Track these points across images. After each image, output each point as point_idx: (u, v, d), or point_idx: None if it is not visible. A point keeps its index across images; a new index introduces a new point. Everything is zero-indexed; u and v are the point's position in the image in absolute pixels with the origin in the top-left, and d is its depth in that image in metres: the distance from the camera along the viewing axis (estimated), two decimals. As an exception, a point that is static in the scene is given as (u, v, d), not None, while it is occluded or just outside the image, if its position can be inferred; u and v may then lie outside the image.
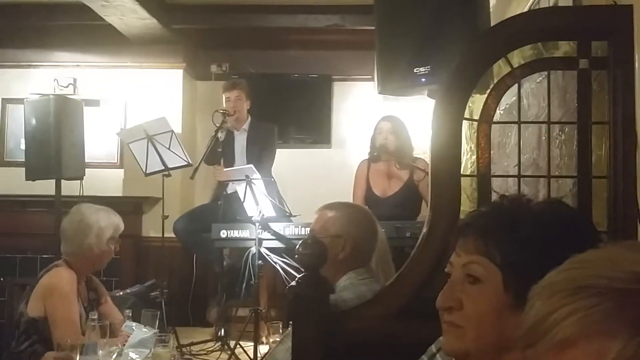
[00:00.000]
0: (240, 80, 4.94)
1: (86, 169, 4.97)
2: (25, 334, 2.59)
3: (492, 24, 2.47)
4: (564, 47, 2.14)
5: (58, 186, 4.72)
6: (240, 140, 4.84)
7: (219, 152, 4.60)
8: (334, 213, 2.12)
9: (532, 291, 0.70)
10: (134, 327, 2.48)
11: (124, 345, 2.41)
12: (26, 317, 2.60)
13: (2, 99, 5.65)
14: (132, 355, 2.36)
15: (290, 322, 1.96)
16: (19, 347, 2.58)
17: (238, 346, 3.90)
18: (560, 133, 2.18)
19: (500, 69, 2.03)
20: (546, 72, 2.01)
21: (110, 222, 2.77)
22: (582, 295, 0.63)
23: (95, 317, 2.42)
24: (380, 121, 4.41)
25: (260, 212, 4.03)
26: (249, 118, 4.88)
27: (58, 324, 2.56)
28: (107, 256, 2.79)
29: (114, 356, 2.33)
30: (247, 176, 4.06)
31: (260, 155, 4.68)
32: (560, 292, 0.65)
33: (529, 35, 1.90)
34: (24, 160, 4.87)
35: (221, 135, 4.55)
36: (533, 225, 0.98)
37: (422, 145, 4.64)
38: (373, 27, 2.72)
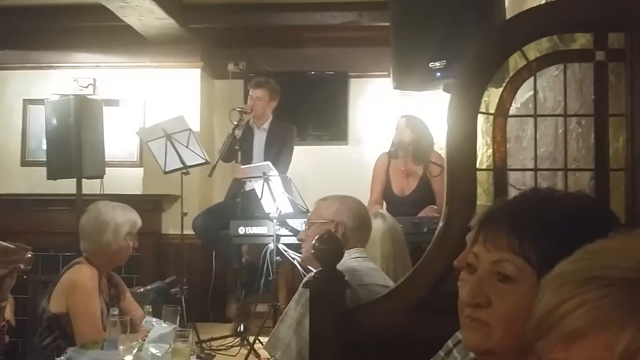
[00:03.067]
0: (268, 80, 4.89)
1: (106, 168, 5.02)
2: (47, 329, 2.62)
3: (508, 17, 2.46)
4: (581, 40, 2.12)
5: (79, 185, 4.78)
6: (260, 138, 4.86)
7: (236, 150, 4.63)
8: (326, 202, 2.37)
9: (542, 282, 0.70)
10: (154, 323, 2.50)
11: (144, 340, 2.43)
12: (48, 313, 2.64)
13: (24, 99, 5.72)
14: (152, 350, 2.38)
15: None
16: (42, 342, 2.62)
17: (257, 341, 3.93)
18: (577, 126, 2.17)
19: (516, 63, 2.02)
20: (562, 66, 1.99)
21: (126, 218, 2.79)
22: (591, 286, 0.63)
23: (116, 312, 2.44)
24: (398, 119, 4.42)
25: (277, 209, 4.05)
26: (271, 117, 4.89)
27: (80, 319, 2.59)
28: (126, 252, 2.81)
29: (135, 351, 2.35)
30: (264, 173, 4.08)
31: (278, 155, 4.69)
32: (569, 283, 0.65)
33: (545, 28, 1.88)
34: (45, 159, 4.94)
35: (238, 133, 4.57)
36: (570, 225, 0.95)
37: (439, 140, 4.63)
38: (389, 24, 2.73)
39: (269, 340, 2.12)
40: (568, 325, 0.63)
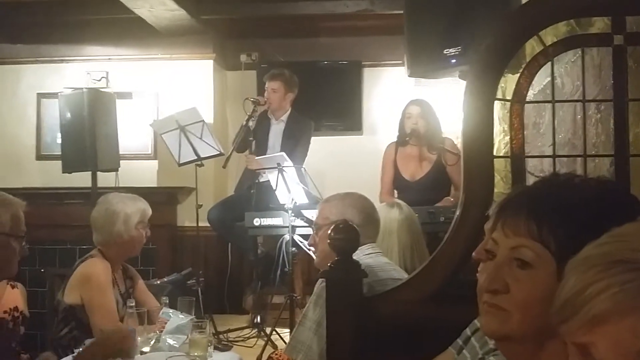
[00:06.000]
0: (283, 72, 4.85)
1: (121, 161, 5.05)
2: (64, 321, 2.66)
3: (524, 1, 2.42)
4: (599, 23, 2.09)
5: (94, 178, 4.81)
6: (276, 130, 4.85)
7: (250, 141, 4.62)
8: (330, 203, 2.36)
9: (568, 265, 0.69)
10: (171, 314, 2.52)
11: (161, 331, 2.45)
12: (64, 305, 2.67)
13: (37, 93, 5.75)
14: (170, 341, 2.40)
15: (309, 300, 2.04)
16: (59, 333, 2.65)
17: (274, 332, 3.94)
18: (596, 111, 2.13)
19: (533, 48, 1.99)
20: (580, 50, 1.96)
21: (136, 208, 2.81)
22: (617, 270, 0.62)
23: (133, 304, 2.46)
24: (409, 105, 4.32)
25: (292, 200, 4.04)
26: (290, 110, 4.87)
27: (95, 312, 2.61)
28: (139, 241, 2.82)
29: (152, 342, 2.37)
30: (278, 164, 4.07)
31: (294, 148, 4.66)
32: (595, 266, 0.64)
33: (562, 12, 1.85)
34: (60, 153, 4.97)
35: (252, 124, 4.56)
36: (590, 210, 0.93)
37: (455, 128, 4.57)
38: (402, 11, 2.69)
39: (289, 343, 2.11)
40: (592, 309, 0.62)
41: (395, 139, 4.42)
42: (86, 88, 5.04)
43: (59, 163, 4.92)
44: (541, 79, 2.22)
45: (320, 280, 2.00)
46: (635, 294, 0.60)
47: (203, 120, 4.55)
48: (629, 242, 0.65)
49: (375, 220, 2.33)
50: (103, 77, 5.65)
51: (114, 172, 5.06)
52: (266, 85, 4.80)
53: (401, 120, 4.33)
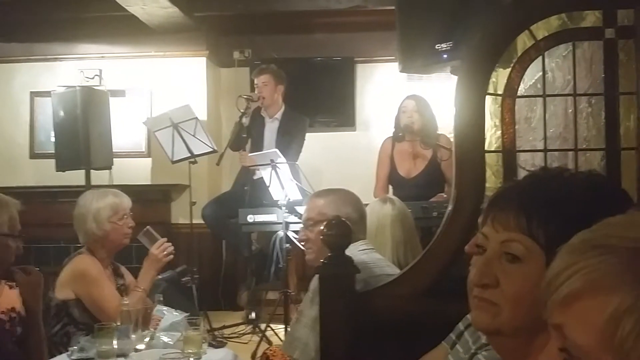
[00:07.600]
0: (269, 66, 4.90)
1: (114, 159, 5.04)
2: (56, 317, 2.66)
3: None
4: (590, 17, 2.09)
5: (88, 176, 4.80)
6: (271, 128, 4.84)
7: (244, 138, 4.62)
8: (326, 198, 2.29)
9: (557, 252, 0.71)
10: (164, 311, 2.51)
11: (155, 329, 2.44)
12: (56, 301, 2.67)
13: (31, 92, 5.74)
14: (164, 338, 2.39)
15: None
16: (52, 330, 2.65)
17: (269, 328, 3.95)
18: (587, 105, 2.14)
19: (524, 42, 2.00)
20: (571, 45, 1.96)
21: (105, 203, 2.78)
22: (592, 253, 0.64)
23: (127, 302, 2.45)
24: (405, 100, 4.36)
25: (286, 196, 4.05)
26: (284, 107, 4.87)
27: (100, 305, 2.61)
28: (116, 235, 2.79)
29: (147, 340, 2.36)
30: (271, 160, 4.07)
31: (289, 145, 4.66)
32: (575, 251, 0.66)
33: (554, 6, 1.86)
34: (53, 152, 4.96)
35: (245, 121, 4.56)
36: (579, 204, 0.93)
37: (448, 124, 4.58)
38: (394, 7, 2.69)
39: (285, 340, 2.11)
40: (565, 289, 0.65)
41: (389, 134, 4.43)
42: (79, 86, 5.03)
43: (52, 161, 4.91)
44: (532, 73, 2.23)
45: (316, 276, 2.00)
46: (605, 274, 0.62)
47: (196, 118, 4.55)
48: (607, 230, 0.67)
49: (366, 217, 2.34)
50: (96, 75, 5.63)
51: (108, 170, 5.05)
52: (255, 82, 4.81)
53: (397, 115, 4.36)
